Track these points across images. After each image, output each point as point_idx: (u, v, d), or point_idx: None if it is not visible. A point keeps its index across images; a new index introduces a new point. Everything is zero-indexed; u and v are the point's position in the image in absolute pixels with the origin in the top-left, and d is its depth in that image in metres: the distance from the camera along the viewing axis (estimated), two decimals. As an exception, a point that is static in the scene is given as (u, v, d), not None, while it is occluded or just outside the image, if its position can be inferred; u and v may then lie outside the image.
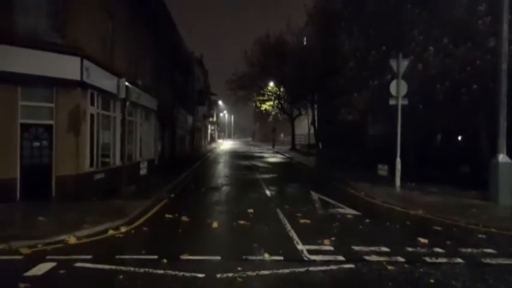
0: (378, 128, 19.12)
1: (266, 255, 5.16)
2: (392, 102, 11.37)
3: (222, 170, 18.46)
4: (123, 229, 6.45)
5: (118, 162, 11.04)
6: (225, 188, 11.94)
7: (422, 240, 5.90)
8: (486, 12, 10.75)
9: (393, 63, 11.38)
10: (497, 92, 9.19)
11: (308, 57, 25.14)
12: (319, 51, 23.24)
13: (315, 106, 31.47)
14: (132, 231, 6.45)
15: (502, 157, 8.85)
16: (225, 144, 57.56)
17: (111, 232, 6.24)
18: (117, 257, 5.02)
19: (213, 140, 59.40)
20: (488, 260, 5.11)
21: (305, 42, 30.19)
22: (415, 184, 11.62)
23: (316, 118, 31.75)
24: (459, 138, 16.88)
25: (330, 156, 23.92)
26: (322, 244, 5.70)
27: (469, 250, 5.50)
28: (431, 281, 4.37)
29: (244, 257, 5.06)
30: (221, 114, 77.37)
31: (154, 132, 16.33)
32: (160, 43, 17.48)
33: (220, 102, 63.72)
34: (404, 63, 11.24)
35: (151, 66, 15.83)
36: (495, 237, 6.33)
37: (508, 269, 4.85)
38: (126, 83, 9.74)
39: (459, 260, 5.08)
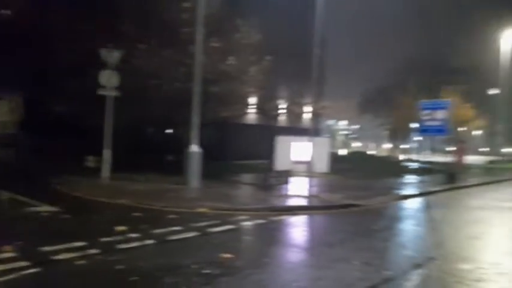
0: (95, 118, 18.35)
1: None
2: (102, 92, 11.18)
3: None
4: None
5: None
6: None
7: (120, 228, 6.08)
8: (188, 22, 12.36)
9: (104, 54, 11.21)
10: (193, 92, 10.79)
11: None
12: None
13: (19, 91, 26.42)
14: None
15: (193, 147, 10.55)
16: None
17: None
18: None
19: None
20: (173, 237, 5.90)
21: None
22: (125, 174, 11.94)
23: (21, 104, 26.76)
24: (169, 130, 18.86)
25: (35, 148, 20.81)
26: (2, 252, 4.80)
27: (160, 230, 6.15)
28: (121, 267, 4.55)
29: None
30: None
31: None
32: None
33: None
34: (116, 55, 11.30)
35: None
36: (183, 216, 7.39)
37: (188, 242, 5.79)
38: None
39: (150, 241, 5.60)
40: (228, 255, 5.05)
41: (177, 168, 11.60)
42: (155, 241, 5.63)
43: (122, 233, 5.92)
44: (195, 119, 10.72)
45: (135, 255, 4.98)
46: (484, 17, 30.54)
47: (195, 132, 10.69)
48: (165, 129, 19.26)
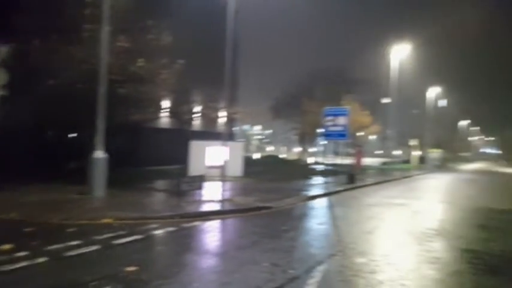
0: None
1: None
2: (-13, 91, 9.74)
3: None
4: None
5: None
6: None
7: (5, 247, 5.33)
8: (91, 18, 11.46)
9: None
10: (98, 93, 10.03)
11: None
12: None
13: None
14: None
15: (98, 153, 9.80)
16: None
17: None
18: None
19: None
20: (71, 253, 5.37)
21: None
22: (16, 184, 10.57)
23: None
24: (73, 134, 17.20)
25: None
26: None
27: (55, 246, 5.55)
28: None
29: None
30: None
31: None
32: None
33: None
34: (3, 50, 10.02)
35: None
36: (84, 228, 6.80)
37: (88, 257, 5.33)
38: None
39: (42, 259, 5.01)
40: (133, 268, 4.78)
41: (80, 176, 10.65)
42: (49, 259, 5.06)
43: (7, 252, 5.20)
44: (100, 123, 9.98)
45: (22, 277, 4.41)
46: (378, 35, 34.49)
47: (100, 137, 9.95)
48: (67, 134, 17.56)
